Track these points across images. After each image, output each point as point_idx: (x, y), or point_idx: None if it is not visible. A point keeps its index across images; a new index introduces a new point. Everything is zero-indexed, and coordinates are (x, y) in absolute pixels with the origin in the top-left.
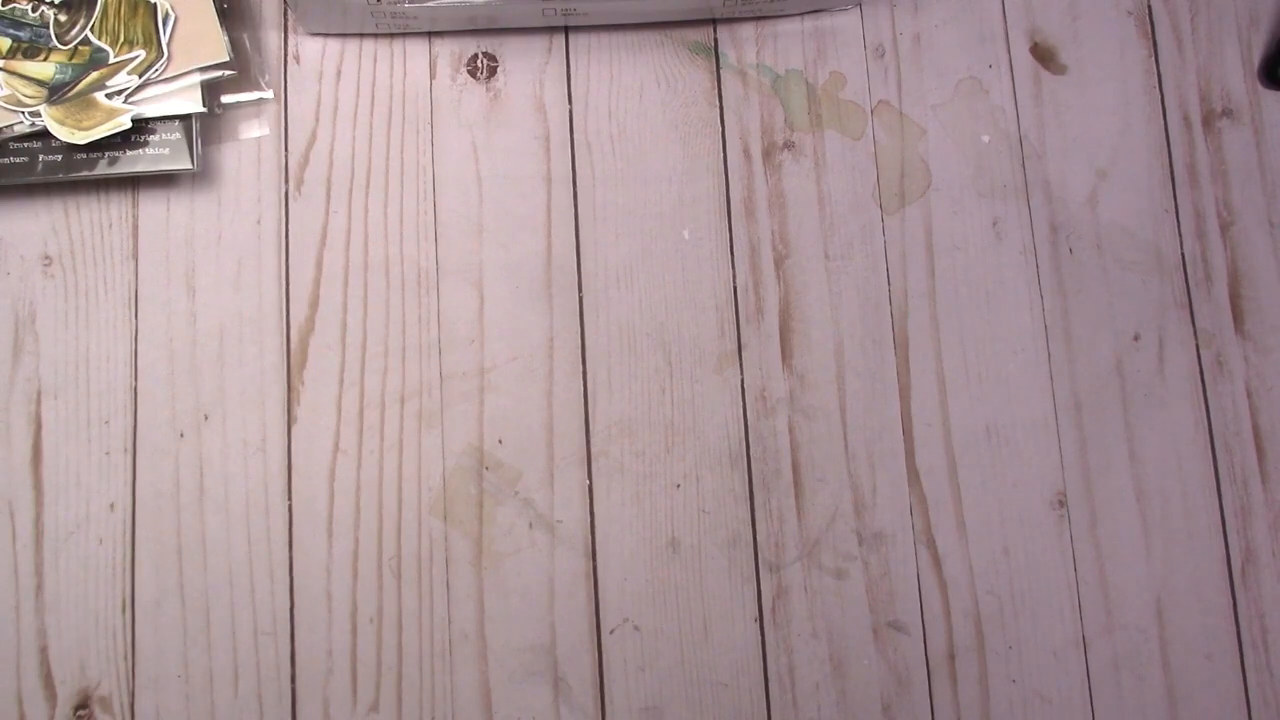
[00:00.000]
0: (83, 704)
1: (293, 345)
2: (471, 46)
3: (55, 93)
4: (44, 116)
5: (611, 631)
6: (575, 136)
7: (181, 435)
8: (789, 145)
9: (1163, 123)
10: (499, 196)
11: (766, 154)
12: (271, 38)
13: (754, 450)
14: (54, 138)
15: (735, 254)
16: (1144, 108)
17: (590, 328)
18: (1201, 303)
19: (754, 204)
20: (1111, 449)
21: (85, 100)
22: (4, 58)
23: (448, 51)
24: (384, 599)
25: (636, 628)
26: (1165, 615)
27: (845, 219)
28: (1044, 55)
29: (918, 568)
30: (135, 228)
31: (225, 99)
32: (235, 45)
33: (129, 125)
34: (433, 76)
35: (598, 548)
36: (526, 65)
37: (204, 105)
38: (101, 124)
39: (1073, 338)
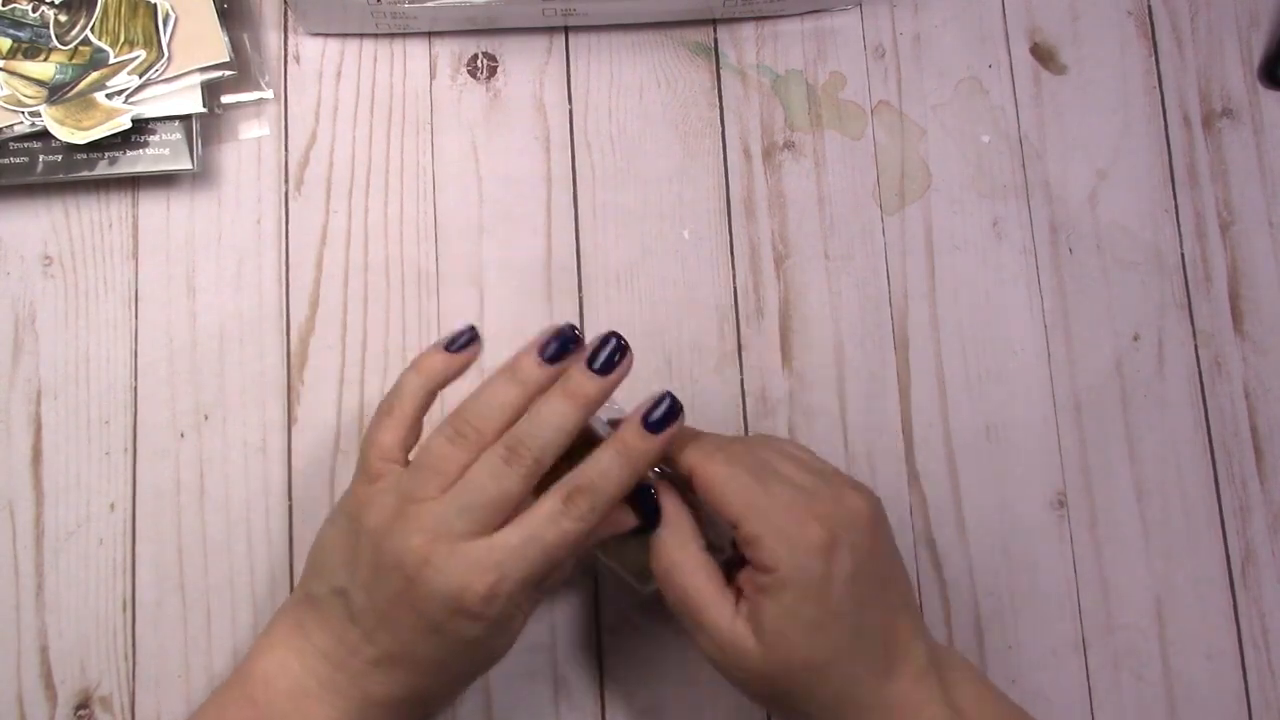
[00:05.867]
0: (83, 704)
1: (293, 345)
2: (471, 46)
3: (55, 93)
4: (44, 116)
5: (611, 631)
6: (575, 136)
7: (181, 435)
8: (789, 145)
9: (1163, 123)
10: (499, 196)
11: (766, 154)
12: (271, 38)
13: None
14: (54, 138)
15: (735, 254)
16: (1144, 108)
17: (590, 328)
18: (1201, 303)
19: (754, 204)
20: (1111, 449)
21: (85, 100)
22: (4, 58)
23: (448, 51)
24: None
25: (636, 628)
26: (1165, 615)
27: (845, 219)
28: (1044, 55)
29: (917, 568)
30: (135, 228)
31: (225, 99)
32: (235, 45)
33: (129, 125)
34: (433, 76)
35: None
36: (526, 65)
37: (204, 105)
38: (101, 124)
39: (1073, 338)
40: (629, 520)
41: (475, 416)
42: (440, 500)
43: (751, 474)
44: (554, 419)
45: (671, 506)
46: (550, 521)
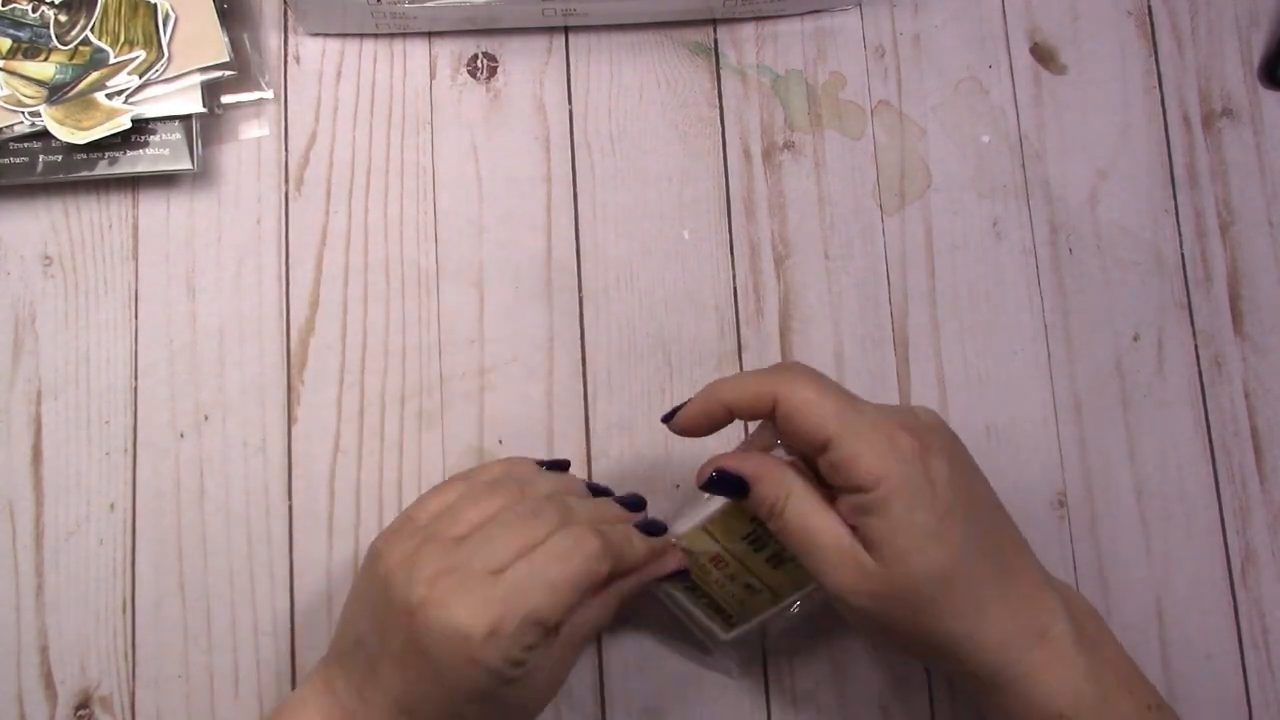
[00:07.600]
0: (83, 704)
1: (293, 345)
2: (471, 46)
3: (55, 93)
4: (44, 116)
5: (611, 631)
6: (575, 137)
7: (181, 435)
8: (789, 145)
9: (1163, 123)
10: (499, 196)
11: (766, 154)
12: (271, 38)
13: None
14: (54, 138)
15: (735, 254)
16: (1144, 108)
17: (590, 328)
18: (1201, 303)
19: (754, 204)
20: (1111, 449)
21: (85, 100)
22: (4, 58)
23: (448, 51)
24: None
25: (636, 628)
26: (1165, 615)
27: (845, 219)
28: (1044, 55)
29: None
30: (135, 228)
31: (225, 99)
32: (235, 45)
33: (129, 125)
34: (433, 76)
35: None
36: (526, 65)
37: (204, 105)
38: (101, 124)
39: (1073, 338)
40: (668, 565)
41: (515, 479)
42: (459, 541)
43: (837, 395)
44: (608, 513)
45: (753, 463)
46: (560, 557)
